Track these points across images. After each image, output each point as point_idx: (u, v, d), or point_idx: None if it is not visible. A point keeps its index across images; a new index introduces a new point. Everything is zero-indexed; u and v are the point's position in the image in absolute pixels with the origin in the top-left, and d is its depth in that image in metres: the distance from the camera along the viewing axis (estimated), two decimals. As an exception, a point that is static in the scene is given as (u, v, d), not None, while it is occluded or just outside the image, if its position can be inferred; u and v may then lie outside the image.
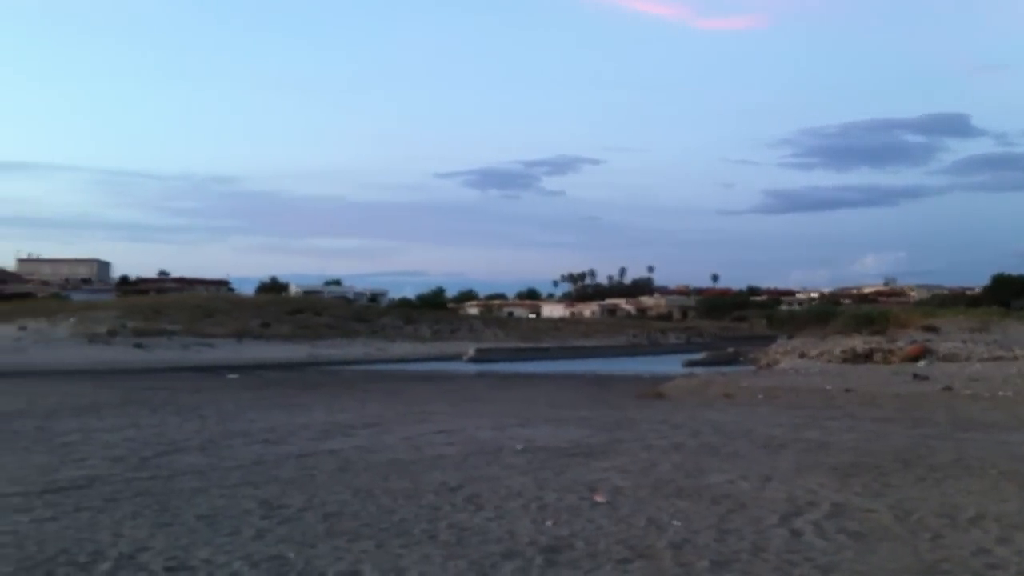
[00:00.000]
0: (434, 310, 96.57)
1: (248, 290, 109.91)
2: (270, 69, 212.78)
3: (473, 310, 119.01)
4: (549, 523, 7.21)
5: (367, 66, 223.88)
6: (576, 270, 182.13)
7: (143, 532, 6.88)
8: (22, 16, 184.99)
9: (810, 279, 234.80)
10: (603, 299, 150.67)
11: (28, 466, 10.33)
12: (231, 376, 35.39)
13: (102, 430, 14.29)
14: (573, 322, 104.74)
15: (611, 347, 74.24)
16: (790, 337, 62.55)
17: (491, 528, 7.04)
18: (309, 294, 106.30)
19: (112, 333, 50.45)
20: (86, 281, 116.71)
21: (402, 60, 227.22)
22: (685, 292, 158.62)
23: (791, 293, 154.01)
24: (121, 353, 46.17)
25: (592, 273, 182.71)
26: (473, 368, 48.27)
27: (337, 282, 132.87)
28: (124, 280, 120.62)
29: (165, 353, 47.91)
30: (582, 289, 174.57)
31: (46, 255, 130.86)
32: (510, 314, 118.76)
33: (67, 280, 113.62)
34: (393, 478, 9.51)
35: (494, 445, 12.42)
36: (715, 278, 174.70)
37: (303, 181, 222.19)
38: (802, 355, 42.29)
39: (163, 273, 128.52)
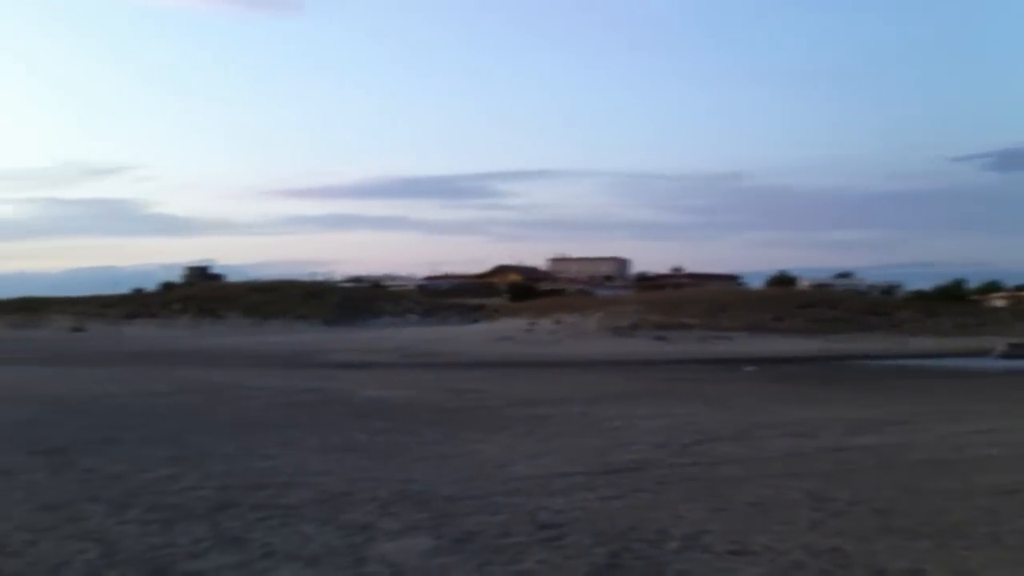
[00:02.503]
0: (954, 302, 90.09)
1: (757, 284, 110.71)
2: (765, 63, 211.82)
3: (999, 302, 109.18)
4: None
5: (867, 53, 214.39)
6: None
7: (699, 515, 7.30)
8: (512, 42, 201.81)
9: None
10: None
11: (583, 448, 11.33)
12: (748, 368, 35.84)
13: (640, 417, 15.23)
14: None
15: None
16: None
17: (1066, 538, 6.54)
18: (819, 287, 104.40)
19: (634, 327, 53.49)
20: (608, 278, 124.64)
21: (900, 44, 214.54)
22: None
23: None
24: (643, 345, 48.70)
25: None
26: (1003, 364, 44.35)
27: (847, 275, 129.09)
28: (642, 276, 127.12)
29: (684, 346, 49.71)
30: None
31: (573, 255, 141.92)
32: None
33: (592, 277, 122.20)
34: (939, 477, 9.14)
35: (1048, 448, 11.44)
36: None
37: (809, 174, 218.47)
38: None
39: (676, 269, 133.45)
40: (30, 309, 75.72)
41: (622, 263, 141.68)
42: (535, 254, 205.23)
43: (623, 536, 6.61)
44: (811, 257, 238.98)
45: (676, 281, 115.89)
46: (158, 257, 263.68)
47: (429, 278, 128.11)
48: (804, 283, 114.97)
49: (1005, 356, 50.35)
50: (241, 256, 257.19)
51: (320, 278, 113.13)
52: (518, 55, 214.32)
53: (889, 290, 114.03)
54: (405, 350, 39.19)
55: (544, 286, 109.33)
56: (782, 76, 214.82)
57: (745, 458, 10.52)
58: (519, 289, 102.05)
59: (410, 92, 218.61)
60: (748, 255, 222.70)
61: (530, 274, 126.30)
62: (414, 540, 6.56)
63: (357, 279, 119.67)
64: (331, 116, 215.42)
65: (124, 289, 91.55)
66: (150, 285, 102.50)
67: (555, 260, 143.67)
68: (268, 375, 25.46)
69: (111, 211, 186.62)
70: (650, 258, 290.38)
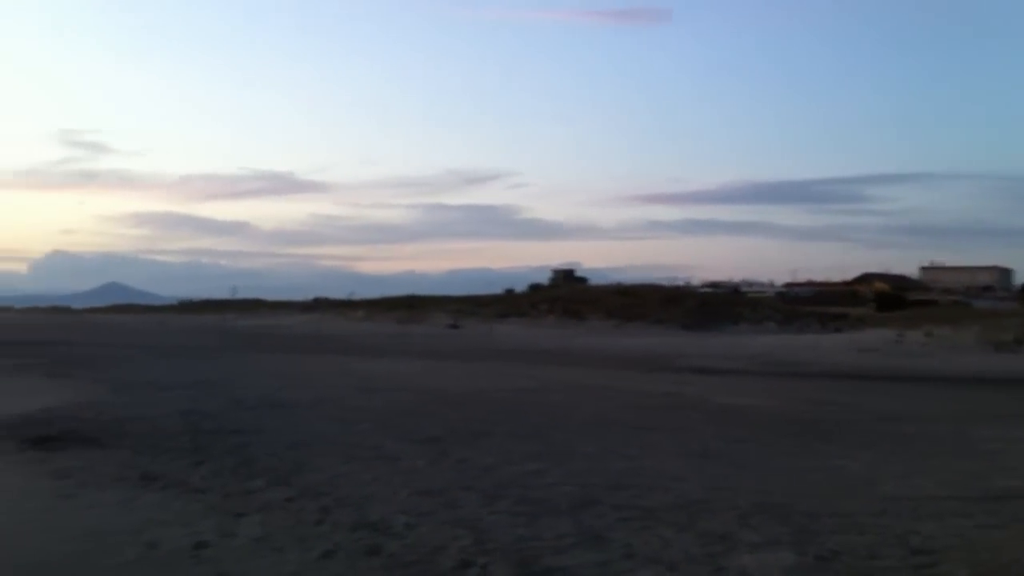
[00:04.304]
0: None
1: None
2: None
3: None
4: None
5: None
6: None
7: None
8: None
9: None
10: None
11: (957, 470, 10.59)
12: None
13: (1023, 440, 13.99)
14: None
15: None
16: None
17: None
18: None
19: (1018, 341, 49.01)
20: (988, 288, 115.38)
21: None
22: None
23: None
24: (1026, 363, 44.56)
25: None
26: None
27: None
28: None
29: (1077, 365, 44.92)
30: None
31: (947, 263, 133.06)
32: None
33: (969, 287, 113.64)
34: None
35: None
36: None
37: None
38: None
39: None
40: (413, 307, 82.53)
41: (1004, 272, 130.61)
42: (904, 262, 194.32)
43: (1004, 570, 6.17)
44: None
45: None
46: (527, 260, 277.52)
47: (789, 285, 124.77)
48: None
49: None
50: (603, 260, 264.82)
51: (679, 283, 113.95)
52: (885, 57, 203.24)
53: None
54: (762, 357, 38.38)
55: (914, 296, 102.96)
56: None
57: None
58: (886, 298, 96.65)
59: (774, 96, 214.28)
60: None
61: (899, 282, 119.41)
62: (776, 555, 6.48)
63: (715, 284, 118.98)
64: (694, 122, 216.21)
65: (496, 289, 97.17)
66: (520, 286, 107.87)
67: (927, 268, 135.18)
68: (627, 376, 25.93)
69: (487, 216, 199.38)
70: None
